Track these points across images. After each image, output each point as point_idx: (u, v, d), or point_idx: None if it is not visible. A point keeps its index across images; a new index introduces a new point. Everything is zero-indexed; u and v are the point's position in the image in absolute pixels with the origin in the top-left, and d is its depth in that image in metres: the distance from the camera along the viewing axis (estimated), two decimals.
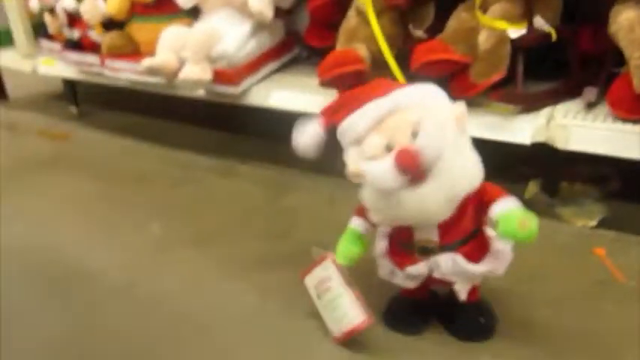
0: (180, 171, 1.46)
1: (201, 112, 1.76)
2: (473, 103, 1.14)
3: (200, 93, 1.44)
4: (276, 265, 1.03)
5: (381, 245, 0.84)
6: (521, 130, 1.08)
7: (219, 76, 1.35)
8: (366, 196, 0.75)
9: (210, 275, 1.04)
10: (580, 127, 1.05)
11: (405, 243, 0.81)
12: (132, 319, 0.94)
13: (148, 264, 1.09)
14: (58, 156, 1.60)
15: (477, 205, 0.78)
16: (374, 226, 0.83)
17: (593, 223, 1.12)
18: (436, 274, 0.80)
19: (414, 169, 0.69)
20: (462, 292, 0.81)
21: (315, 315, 0.87)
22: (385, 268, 0.84)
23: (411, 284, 0.82)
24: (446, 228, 0.77)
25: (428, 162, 0.70)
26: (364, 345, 0.83)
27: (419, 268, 0.80)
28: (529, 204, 1.21)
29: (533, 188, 1.20)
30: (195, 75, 1.33)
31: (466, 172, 0.74)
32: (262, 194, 1.31)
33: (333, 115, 0.78)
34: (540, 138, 1.08)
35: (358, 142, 0.74)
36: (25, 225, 1.25)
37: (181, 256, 1.10)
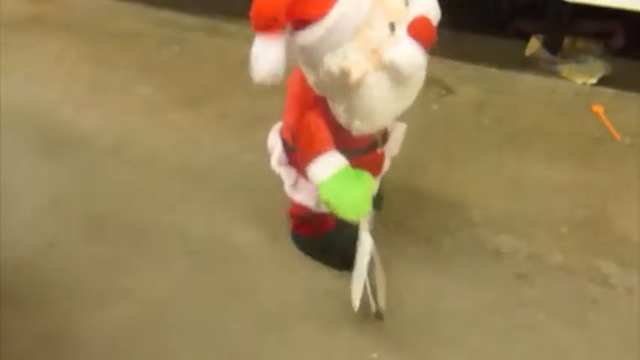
0: (166, 30, 1.39)
1: None
2: None
3: None
4: (272, 122, 1.01)
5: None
6: None
7: None
8: (377, 96, 0.60)
9: (205, 134, 1.03)
10: None
11: (370, 144, 0.71)
12: (128, 175, 0.94)
13: (140, 124, 1.07)
14: (41, 17, 1.51)
15: None
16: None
17: (594, 80, 1.09)
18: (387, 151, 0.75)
19: (433, 38, 0.58)
20: None
21: None
22: None
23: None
24: None
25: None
26: None
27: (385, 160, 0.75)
28: (530, 61, 1.19)
29: (534, 44, 1.15)
30: None
31: None
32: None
33: (295, 10, 0.57)
34: None
35: (357, 32, 0.57)
36: (12, 86, 1.20)
37: (173, 117, 1.08)
